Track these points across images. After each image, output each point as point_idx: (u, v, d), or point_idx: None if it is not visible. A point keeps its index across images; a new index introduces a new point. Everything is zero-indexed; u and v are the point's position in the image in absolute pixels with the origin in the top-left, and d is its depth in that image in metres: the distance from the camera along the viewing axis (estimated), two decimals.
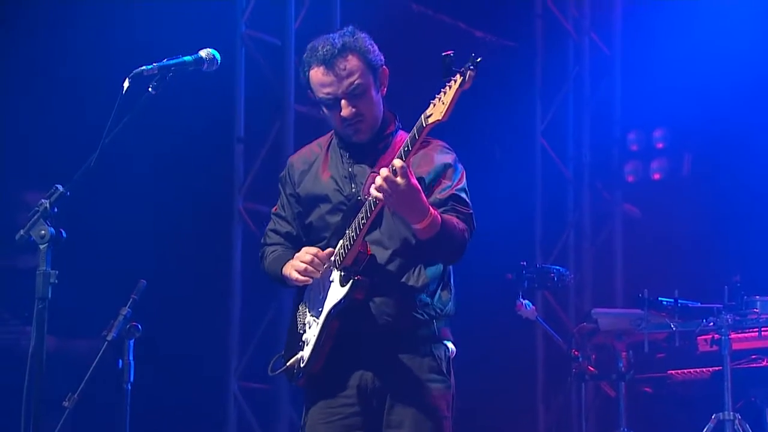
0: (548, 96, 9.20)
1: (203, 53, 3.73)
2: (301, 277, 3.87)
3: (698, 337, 6.63)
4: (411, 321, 3.84)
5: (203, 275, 7.00)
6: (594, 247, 9.21)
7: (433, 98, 3.53)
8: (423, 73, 8.19)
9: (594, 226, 9.24)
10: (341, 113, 3.83)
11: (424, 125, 3.53)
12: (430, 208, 3.66)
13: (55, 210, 3.46)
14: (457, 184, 3.89)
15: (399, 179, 3.54)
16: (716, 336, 6.31)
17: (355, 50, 3.80)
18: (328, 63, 3.78)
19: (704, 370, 6.72)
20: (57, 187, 3.49)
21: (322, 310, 3.84)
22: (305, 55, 3.86)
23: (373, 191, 3.61)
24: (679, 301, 6.60)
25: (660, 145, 9.23)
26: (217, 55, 3.76)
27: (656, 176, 9.23)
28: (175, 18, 6.53)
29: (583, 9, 9.29)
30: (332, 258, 3.83)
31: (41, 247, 3.43)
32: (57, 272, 3.43)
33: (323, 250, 3.87)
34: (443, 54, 3.48)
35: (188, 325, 6.80)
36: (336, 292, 3.80)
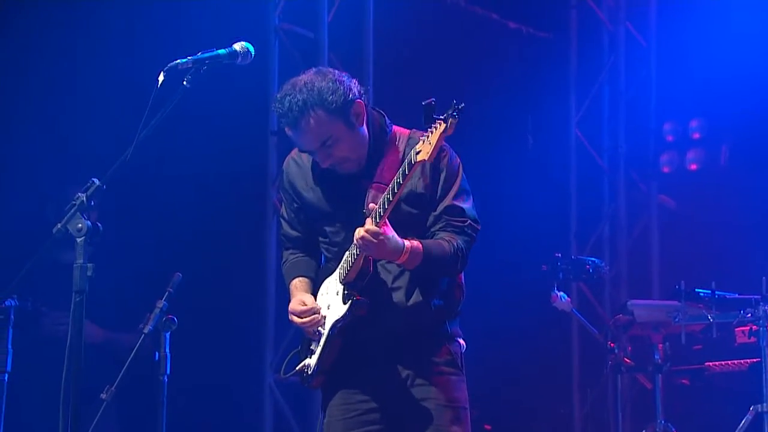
0: (583, 87, 9.16)
1: (237, 47, 3.73)
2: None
3: (736, 329, 6.60)
4: (424, 324, 3.88)
5: (238, 268, 7.02)
6: (630, 239, 9.17)
7: (425, 130, 3.55)
8: (455, 64, 8.21)
9: (630, 217, 9.19)
10: (322, 161, 3.89)
11: (413, 162, 3.58)
12: (406, 246, 3.72)
13: (92, 203, 3.48)
14: (453, 190, 3.89)
15: (372, 240, 3.65)
16: (754, 327, 6.27)
17: (316, 104, 3.79)
18: (293, 125, 3.83)
19: (742, 361, 6.68)
20: (93, 181, 3.51)
21: (325, 323, 3.90)
22: (275, 105, 3.89)
23: (355, 241, 3.71)
24: (716, 292, 6.56)
25: (696, 136, 9.17)
26: (251, 49, 3.76)
27: (692, 167, 9.16)
28: (209, 12, 6.55)
29: None
30: (338, 270, 3.89)
31: (78, 240, 3.45)
32: (94, 265, 3.45)
33: (335, 253, 3.94)
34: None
35: (223, 318, 6.83)
36: (338, 308, 3.86)
